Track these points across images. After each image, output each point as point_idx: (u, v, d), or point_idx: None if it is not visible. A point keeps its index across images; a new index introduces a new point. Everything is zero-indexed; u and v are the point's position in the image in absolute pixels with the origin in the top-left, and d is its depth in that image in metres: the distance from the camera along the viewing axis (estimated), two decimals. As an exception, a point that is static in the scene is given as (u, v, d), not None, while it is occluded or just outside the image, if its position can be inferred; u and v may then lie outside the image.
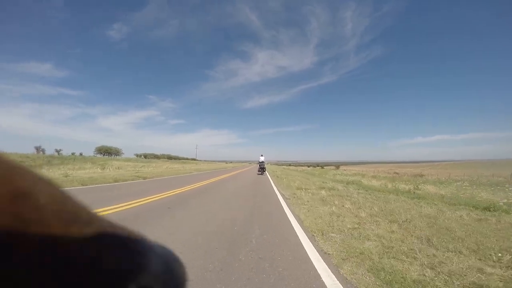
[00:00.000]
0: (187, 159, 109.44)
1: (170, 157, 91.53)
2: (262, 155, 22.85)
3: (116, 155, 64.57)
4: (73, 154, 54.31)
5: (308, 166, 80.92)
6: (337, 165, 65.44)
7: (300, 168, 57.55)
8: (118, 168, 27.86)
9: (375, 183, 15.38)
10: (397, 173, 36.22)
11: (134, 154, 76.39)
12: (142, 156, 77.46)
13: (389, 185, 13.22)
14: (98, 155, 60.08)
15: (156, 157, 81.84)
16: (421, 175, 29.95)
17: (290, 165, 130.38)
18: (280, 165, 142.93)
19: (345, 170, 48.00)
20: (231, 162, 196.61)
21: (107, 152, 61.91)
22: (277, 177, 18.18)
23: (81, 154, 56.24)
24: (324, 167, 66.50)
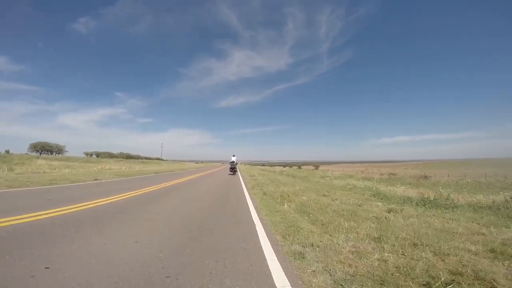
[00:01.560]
0: (150, 158, 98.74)
1: (129, 156, 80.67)
2: (234, 155, 21.40)
3: (58, 153, 53.39)
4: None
5: (284, 166, 76.87)
6: (316, 165, 62.22)
7: (276, 169, 52.90)
8: (50, 169, 20.02)
9: (400, 190, 10.51)
10: (393, 174, 32.83)
11: (83, 153, 64.94)
12: (94, 155, 66.29)
13: (415, 193, 8.33)
14: (33, 153, 48.73)
15: (111, 156, 70.97)
16: (425, 177, 26.56)
17: (263, 165, 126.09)
18: (253, 165, 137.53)
19: (326, 170, 44.40)
20: (202, 162, 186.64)
21: (44, 149, 50.57)
22: (257, 184, 12.47)
23: (7, 151, 44.74)
24: (301, 167, 62.88)
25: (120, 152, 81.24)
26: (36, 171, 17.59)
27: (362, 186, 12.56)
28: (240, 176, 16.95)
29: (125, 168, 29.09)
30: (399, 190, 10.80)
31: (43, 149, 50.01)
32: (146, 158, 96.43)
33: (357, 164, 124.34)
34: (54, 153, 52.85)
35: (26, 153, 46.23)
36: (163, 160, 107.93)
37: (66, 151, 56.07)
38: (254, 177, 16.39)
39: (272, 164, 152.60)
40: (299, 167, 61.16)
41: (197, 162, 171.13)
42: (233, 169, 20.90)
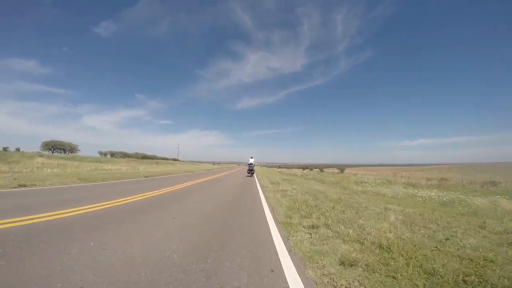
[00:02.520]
0: (166, 159, 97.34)
1: (145, 157, 79.16)
2: (251, 157, 21.52)
3: (71, 152, 52.24)
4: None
5: (304, 169, 71.29)
6: (341, 168, 55.91)
7: (295, 172, 47.79)
8: (39, 168, 16.97)
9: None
10: (445, 180, 26.83)
11: (98, 152, 63.82)
12: (108, 155, 65.06)
13: None
14: (45, 151, 47.72)
15: (126, 156, 69.57)
16: (493, 182, 20.57)
17: (279, 167, 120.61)
18: (269, 167, 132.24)
19: (354, 174, 38.56)
20: (219, 163, 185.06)
21: (57, 147, 49.50)
22: (296, 208, 7.76)
23: (17, 149, 43.84)
24: (324, 170, 57.10)
25: (136, 152, 79.98)
26: (16, 171, 14.35)
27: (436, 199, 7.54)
28: (258, 185, 12.32)
29: (127, 169, 25.75)
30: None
31: (55, 147, 48.97)
32: (162, 158, 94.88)
33: (381, 168, 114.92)
34: (67, 152, 51.80)
35: (38, 151, 45.25)
36: (179, 161, 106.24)
37: (79, 150, 55.01)
38: (280, 187, 11.67)
39: (288, 166, 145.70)
40: (321, 170, 55.46)
41: (213, 163, 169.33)
42: (250, 171, 21.06)
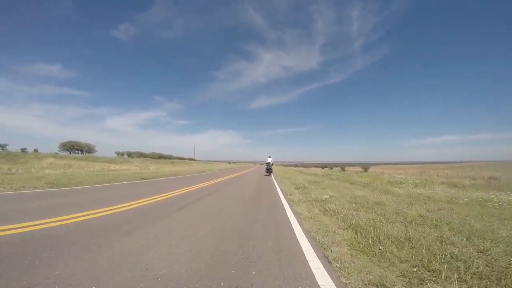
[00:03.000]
0: (183, 158, 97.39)
1: (161, 156, 79.27)
2: (269, 156, 21.71)
3: (88, 152, 52.74)
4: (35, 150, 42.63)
5: (322, 168, 67.52)
6: (365, 167, 51.42)
7: (315, 171, 44.52)
8: (42, 168, 15.81)
9: None
10: (494, 178, 22.81)
11: (115, 152, 64.38)
12: (125, 155, 65.47)
13: None
14: (63, 152, 48.39)
15: (142, 155, 69.77)
16: None
17: (296, 165, 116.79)
18: (285, 166, 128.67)
19: (381, 173, 34.67)
20: (235, 162, 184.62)
21: (74, 148, 50.04)
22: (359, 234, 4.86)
23: (35, 150, 44.60)
24: (345, 168, 53.02)
25: (152, 152, 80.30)
26: (17, 172, 12.99)
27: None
28: (279, 192, 9.79)
29: (136, 169, 24.16)
30: None
31: (72, 148, 49.51)
32: (178, 158, 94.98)
33: (403, 166, 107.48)
34: (84, 152, 52.36)
35: (56, 152, 45.87)
36: (195, 160, 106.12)
37: (96, 150, 55.51)
38: (310, 193, 9.00)
39: (305, 165, 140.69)
40: (343, 169, 51.47)
41: (229, 162, 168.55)
42: (268, 170, 21.01)
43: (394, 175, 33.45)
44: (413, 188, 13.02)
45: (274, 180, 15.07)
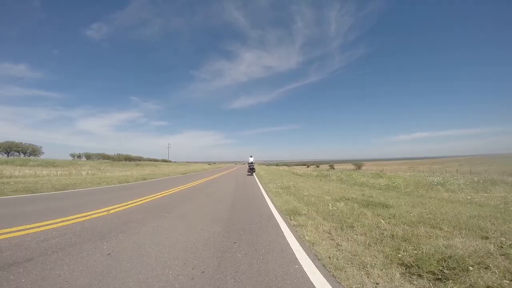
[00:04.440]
0: (155, 160, 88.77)
1: (128, 158, 70.58)
2: (251, 156, 21.84)
3: (32, 155, 43.54)
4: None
5: (307, 166, 63.70)
6: (358, 164, 47.10)
7: (300, 170, 40.04)
8: None
9: None
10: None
11: (70, 154, 54.95)
12: (83, 157, 56.36)
13: None
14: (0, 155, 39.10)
15: (106, 157, 60.94)
16: None
17: (277, 165, 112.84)
18: (268, 165, 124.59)
19: (381, 170, 30.68)
20: (215, 163, 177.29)
21: (13, 150, 40.78)
22: None
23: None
24: (334, 166, 49.10)
25: (118, 154, 71.32)
26: None
27: None
28: (273, 210, 4.54)
29: (67, 173, 17.66)
30: None
31: (10, 149, 40.25)
32: (150, 160, 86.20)
33: (390, 162, 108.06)
34: (28, 154, 43.12)
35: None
36: (169, 162, 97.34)
37: (42, 152, 46.22)
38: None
39: (288, 164, 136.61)
40: (331, 167, 47.53)
41: (209, 163, 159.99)
42: (251, 170, 21.02)
43: (393, 172, 29.79)
44: (475, 193, 8.45)
45: (260, 184, 9.70)
